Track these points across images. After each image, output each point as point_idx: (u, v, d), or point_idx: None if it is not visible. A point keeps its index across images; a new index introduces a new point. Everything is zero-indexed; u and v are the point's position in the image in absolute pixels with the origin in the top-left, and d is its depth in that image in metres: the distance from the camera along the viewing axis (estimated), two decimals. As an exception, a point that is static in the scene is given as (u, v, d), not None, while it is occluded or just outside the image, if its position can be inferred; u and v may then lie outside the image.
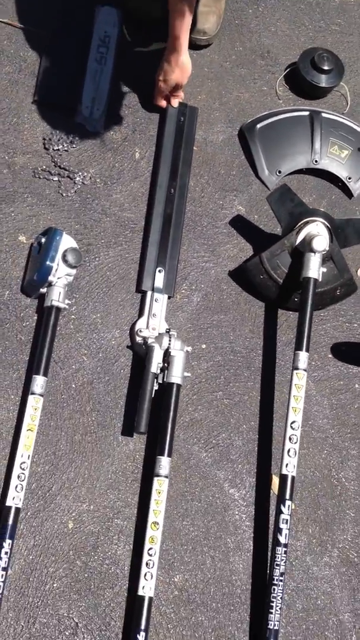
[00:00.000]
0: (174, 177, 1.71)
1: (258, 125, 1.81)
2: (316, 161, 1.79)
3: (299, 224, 1.58)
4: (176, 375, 1.45)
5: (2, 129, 1.67)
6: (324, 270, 1.55)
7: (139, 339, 1.52)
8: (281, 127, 1.81)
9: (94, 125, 1.73)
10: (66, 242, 1.48)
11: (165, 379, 1.45)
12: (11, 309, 1.51)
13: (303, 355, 1.46)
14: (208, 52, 1.92)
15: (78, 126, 1.72)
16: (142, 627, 1.26)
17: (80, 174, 1.67)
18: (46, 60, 1.76)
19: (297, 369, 1.46)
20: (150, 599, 1.28)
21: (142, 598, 1.28)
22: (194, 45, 1.86)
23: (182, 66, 1.67)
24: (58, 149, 1.68)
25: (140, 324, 1.55)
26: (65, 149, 1.69)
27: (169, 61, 1.66)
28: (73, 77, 1.76)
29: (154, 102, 1.79)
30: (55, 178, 1.66)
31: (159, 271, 1.60)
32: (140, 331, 1.52)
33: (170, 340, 1.47)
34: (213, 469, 1.48)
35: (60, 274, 1.47)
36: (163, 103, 1.78)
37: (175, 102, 1.78)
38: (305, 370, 1.46)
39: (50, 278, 1.46)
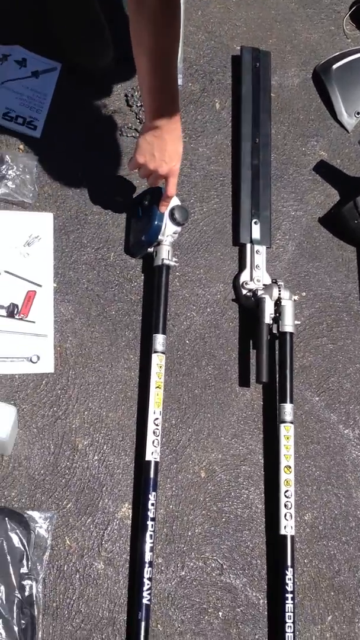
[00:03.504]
0: (256, 127, 1.70)
1: (333, 67, 1.79)
2: (394, 101, 1.79)
3: (394, 166, 1.59)
4: (289, 324, 1.49)
5: (85, 89, 1.65)
6: None
7: (245, 292, 1.55)
8: (357, 68, 1.80)
9: (173, 77, 1.71)
10: (171, 200, 1.48)
11: (279, 329, 1.49)
12: (118, 271, 1.53)
13: None
14: (274, -8, 1.89)
15: (157, 80, 1.70)
16: (289, 564, 1.34)
17: (166, 129, 1.66)
18: (118, 15, 1.72)
19: None
20: (292, 537, 1.36)
21: (284, 537, 1.36)
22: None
23: (172, 153, 1.30)
24: (141, 105, 1.66)
25: (245, 276, 1.57)
26: (148, 104, 1.67)
27: (149, 142, 1.30)
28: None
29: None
30: (142, 135, 1.65)
31: (255, 223, 1.62)
32: (246, 284, 1.55)
33: (280, 291, 1.50)
34: (326, 411, 1.54)
35: (168, 232, 1.48)
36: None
37: (163, 208, 1.42)
38: None
39: (160, 237, 1.47)
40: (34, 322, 1.44)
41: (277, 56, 1.82)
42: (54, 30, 1.62)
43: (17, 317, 1.44)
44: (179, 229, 1.49)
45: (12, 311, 1.44)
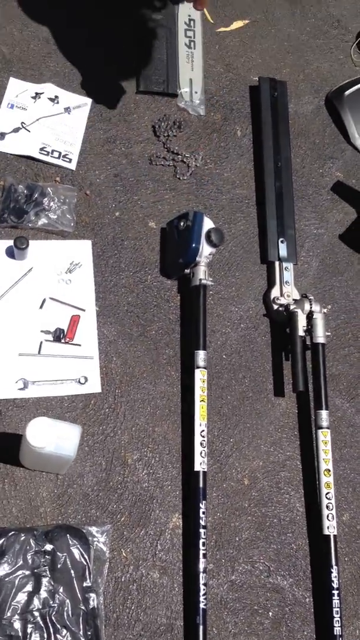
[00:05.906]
0: (277, 151, 1.80)
1: (345, 93, 1.90)
2: None
3: None
4: (321, 335, 1.58)
5: (114, 122, 1.75)
6: None
7: (276, 307, 1.64)
8: (367, 93, 1.91)
9: (196, 108, 1.81)
10: (207, 223, 1.57)
11: (311, 340, 1.58)
12: (156, 292, 1.62)
13: None
14: (285, 26, 2.00)
15: (181, 111, 1.80)
16: (334, 562, 1.41)
17: (192, 156, 1.76)
18: (141, 52, 1.82)
19: None
20: (335, 537, 1.43)
21: (328, 537, 1.43)
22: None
23: None
24: (168, 135, 1.76)
25: (275, 292, 1.66)
26: (174, 134, 1.77)
27: None
28: (167, 63, 1.83)
29: None
30: (170, 163, 1.74)
31: (282, 242, 1.71)
32: (277, 299, 1.64)
33: (311, 304, 1.59)
34: (357, 417, 1.63)
35: (205, 254, 1.57)
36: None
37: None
38: None
39: (197, 259, 1.56)
40: (79, 345, 1.52)
41: (291, 85, 1.93)
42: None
43: (63, 341, 1.52)
44: (214, 250, 1.58)
45: (58, 336, 1.52)
